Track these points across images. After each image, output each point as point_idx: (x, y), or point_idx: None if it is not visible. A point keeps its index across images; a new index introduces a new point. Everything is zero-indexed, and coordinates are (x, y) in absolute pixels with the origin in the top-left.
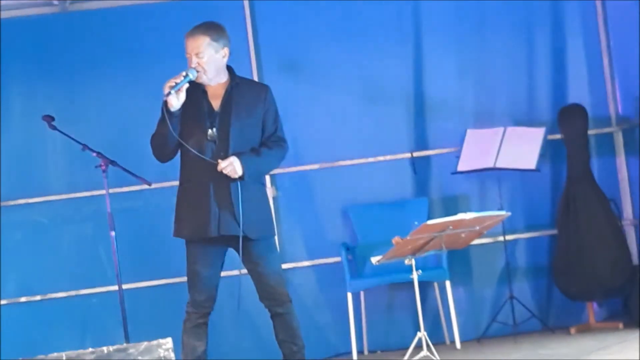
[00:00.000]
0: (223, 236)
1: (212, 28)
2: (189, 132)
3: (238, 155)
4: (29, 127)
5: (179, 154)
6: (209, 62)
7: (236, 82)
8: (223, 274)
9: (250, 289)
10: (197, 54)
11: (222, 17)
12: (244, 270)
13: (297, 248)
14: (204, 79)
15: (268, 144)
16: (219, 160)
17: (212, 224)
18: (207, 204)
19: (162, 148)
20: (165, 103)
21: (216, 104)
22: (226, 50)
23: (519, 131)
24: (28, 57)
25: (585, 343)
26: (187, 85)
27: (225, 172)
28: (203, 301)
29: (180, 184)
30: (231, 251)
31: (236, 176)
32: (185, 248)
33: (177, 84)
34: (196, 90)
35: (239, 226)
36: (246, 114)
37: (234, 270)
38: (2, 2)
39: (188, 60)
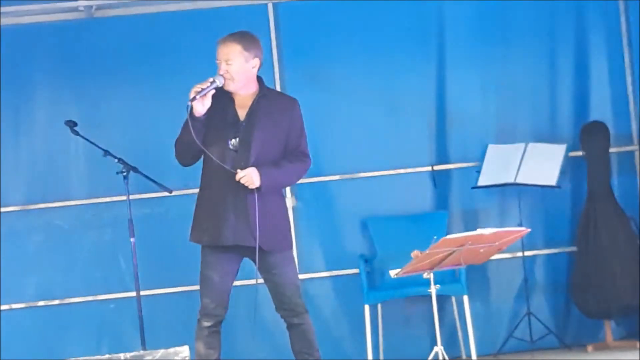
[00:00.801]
0: (238, 246)
1: (245, 37)
2: (212, 140)
3: (257, 166)
4: (52, 132)
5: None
6: (238, 70)
7: (264, 93)
8: (239, 283)
9: (267, 298)
10: (226, 61)
11: (246, 27)
12: (261, 280)
13: (315, 259)
14: (231, 87)
15: (290, 157)
16: (238, 170)
17: (227, 233)
18: (223, 212)
19: (184, 152)
20: (190, 108)
21: (242, 113)
22: (257, 61)
23: (540, 147)
24: (53, 62)
25: None
26: (213, 91)
27: (242, 181)
28: (213, 308)
29: (201, 189)
30: (248, 260)
31: (253, 187)
32: (201, 253)
33: (203, 89)
34: (224, 98)
35: (254, 237)
36: (271, 126)
37: (250, 280)
38: (27, 7)
39: (218, 66)
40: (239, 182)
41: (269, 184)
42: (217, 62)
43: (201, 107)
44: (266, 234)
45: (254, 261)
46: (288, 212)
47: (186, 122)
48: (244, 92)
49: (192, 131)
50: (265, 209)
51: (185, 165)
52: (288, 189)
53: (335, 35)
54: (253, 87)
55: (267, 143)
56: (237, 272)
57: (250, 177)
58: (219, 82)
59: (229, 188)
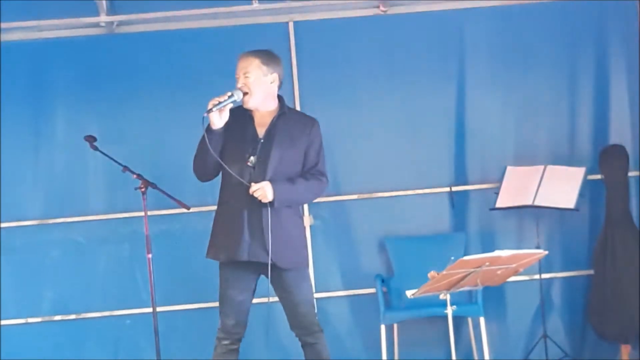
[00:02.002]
0: (254, 262)
1: (264, 52)
2: (231, 156)
3: (272, 181)
4: (72, 147)
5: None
6: (256, 83)
7: (284, 111)
8: (253, 301)
9: (281, 317)
10: (244, 74)
11: (267, 44)
12: (274, 298)
13: (332, 277)
14: (250, 103)
15: (306, 175)
16: (252, 183)
17: (242, 249)
18: (239, 228)
19: (202, 167)
20: (207, 120)
21: (261, 131)
22: (276, 77)
23: (559, 170)
24: (73, 77)
25: None
26: (230, 105)
27: (255, 195)
28: (233, 326)
29: (219, 205)
30: (262, 278)
31: (266, 200)
32: (219, 271)
33: (220, 102)
34: (244, 116)
35: (267, 254)
36: (288, 144)
37: (264, 298)
38: (49, 22)
39: (236, 81)
40: (254, 198)
41: (282, 199)
42: (236, 76)
43: (218, 120)
44: (281, 250)
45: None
46: (305, 230)
47: (203, 137)
48: (263, 109)
49: (207, 143)
50: (281, 225)
51: (203, 181)
52: (306, 208)
53: (356, 54)
54: (273, 105)
55: (284, 161)
56: (255, 290)
57: (263, 190)
58: (236, 96)
59: (245, 204)
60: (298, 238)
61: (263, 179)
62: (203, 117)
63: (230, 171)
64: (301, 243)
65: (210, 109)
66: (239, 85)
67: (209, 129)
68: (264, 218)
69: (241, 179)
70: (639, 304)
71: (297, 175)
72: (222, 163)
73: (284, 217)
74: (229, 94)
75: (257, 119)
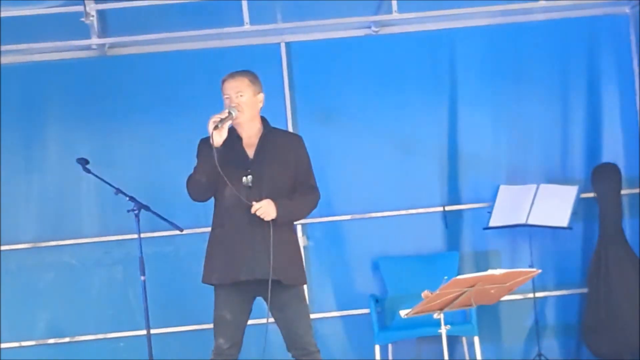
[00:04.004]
0: (253, 282)
1: (250, 72)
2: (226, 176)
3: (271, 198)
4: (64, 170)
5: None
6: (248, 102)
7: (269, 130)
8: (250, 322)
9: (277, 337)
10: (237, 93)
11: (257, 66)
12: (271, 319)
13: (326, 298)
14: (241, 119)
15: (301, 190)
16: (253, 202)
17: (244, 267)
18: (240, 247)
19: (198, 187)
20: (208, 139)
21: (250, 151)
22: (262, 96)
23: (551, 188)
24: (65, 100)
25: None
26: (230, 122)
27: (258, 213)
28: (228, 348)
29: (213, 229)
30: (259, 300)
31: (269, 218)
32: (214, 293)
33: (222, 119)
34: (232, 138)
35: (270, 269)
36: (279, 163)
37: (260, 319)
38: (40, 45)
39: (225, 102)
40: (252, 217)
41: (285, 215)
42: (225, 97)
43: (219, 137)
44: (285, 267)
45: (266, 299)
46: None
47: (204, 157)
48: (250, 129)
49: (216, 159)
50: (283, 242)
51: (198, 201)
52: (299, 229)
53: (348, 74)
54: (257, 124)
55: (277, 179)
56: (250, 312)
57: (266, 208)
58: (234, 114)
59: (244, 224)
60: (297, 254)
61: (260, 198)
62: (212, 133)
63: (232, 188)
64: (301, 259)
65: (216, 126)
66: (233, 104)
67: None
68: (265, 234)
69: (242, 198)
70: (633, 322)
71: (291, 191)
72: (225, 178)
73: (284, 235)
74: (227, 111)
75: (245, 140)
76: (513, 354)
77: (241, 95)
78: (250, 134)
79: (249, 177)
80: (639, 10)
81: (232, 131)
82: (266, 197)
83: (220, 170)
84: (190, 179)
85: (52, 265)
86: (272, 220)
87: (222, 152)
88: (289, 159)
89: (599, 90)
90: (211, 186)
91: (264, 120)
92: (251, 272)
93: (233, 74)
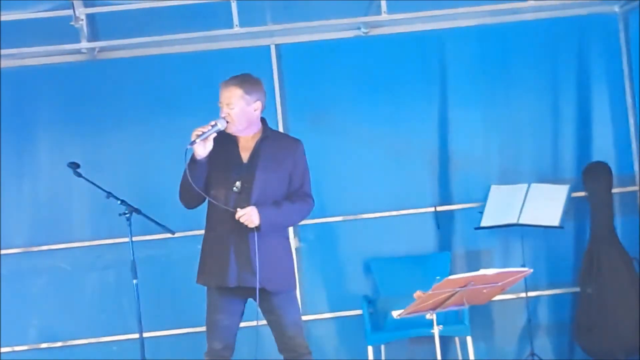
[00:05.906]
0: (242, 287)
1: (247, 81)
2: (217, 182)
3: (257, 205)
4: (55, 174)
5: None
6: (239, 113)
7: (268, 134)
8: (242, 324)
9: (269, 340)
10: (227, 104)
11: (248, 69)
12: (262, 321)
13: (318, 300)
14: (233, 130)
15: (292, 198)
16: (237, 209)
17: (230, 275)
18: (227, 254)
19: (187, 196)
20: (191, 151)
21: (245, 155)
22: (259, 104)
23: (543, 188)
24: (55, 104)
25: None
26: (214, 134)
27: (242, 220)
28: (220, 350)
29: (206, 231)
30: (250, 301)
31: (252, 225)
32: (206, 296)
33: (204, 132)
34: (228, 141)
35: (256, 278)
36: (273, 168)
37: (252, 321)
38: (30, 50)
39: (220, 108)
40: (241, 223)
41: (269, 223)
42: (219, 104)
43: (202, 149)
44: (269, 274)
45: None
46: (292, 253)
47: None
48: (247, 134)
49: (189, 175)
50: (269, 249)
51: (189, 208)
52: (291, 230)
53: (338, 76)
54: (256, 129)
55: (269, 184)
56: (243, 314)
57: (249, 215)
58: (220, 125)
59: (232, 230)
60: (286, 261)
61: (248, 204)
62: (186, 150)
63: (213, 201)
64: (289, 266)
65: (194, 141)
66: (222, 115)
67: (192, 159)
68: (251, 243)
69: (225, 207)
70: (625, 321)
71: (283, 197)
72: (204, 195)
73: (271, 241)
74: (213, 123)
75: (242, 143)
76: (506, 353)
77: (232, 108)
78: (247, 138)
79: (238, 182)
80: (628, 10)
81: (229, 134)
82: (254, 203)
83: (196, 188)
84: (180, 186)
85: (44, 270)
86: (256, 227)
87: (204, 165)
88: (285, 164)
89: (589, 89)
90: (200, 196)
91: (264, 123)
92: (237, 280)
93: (228, 82)
